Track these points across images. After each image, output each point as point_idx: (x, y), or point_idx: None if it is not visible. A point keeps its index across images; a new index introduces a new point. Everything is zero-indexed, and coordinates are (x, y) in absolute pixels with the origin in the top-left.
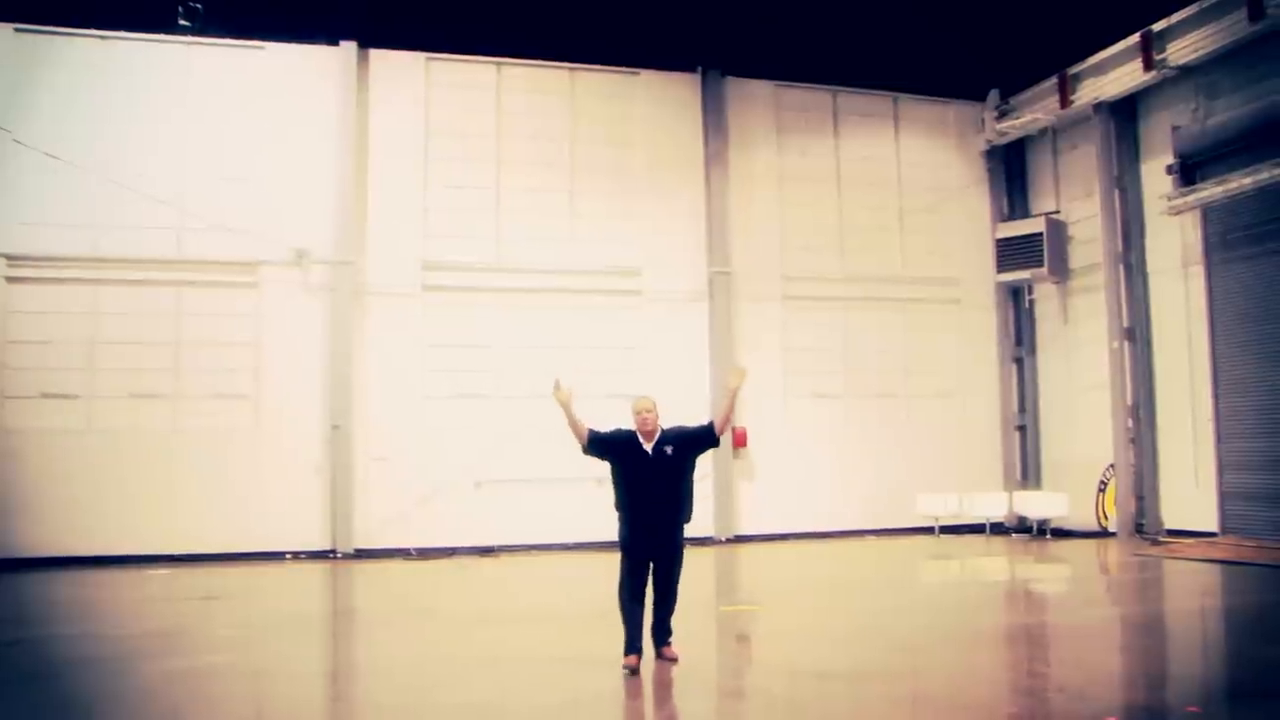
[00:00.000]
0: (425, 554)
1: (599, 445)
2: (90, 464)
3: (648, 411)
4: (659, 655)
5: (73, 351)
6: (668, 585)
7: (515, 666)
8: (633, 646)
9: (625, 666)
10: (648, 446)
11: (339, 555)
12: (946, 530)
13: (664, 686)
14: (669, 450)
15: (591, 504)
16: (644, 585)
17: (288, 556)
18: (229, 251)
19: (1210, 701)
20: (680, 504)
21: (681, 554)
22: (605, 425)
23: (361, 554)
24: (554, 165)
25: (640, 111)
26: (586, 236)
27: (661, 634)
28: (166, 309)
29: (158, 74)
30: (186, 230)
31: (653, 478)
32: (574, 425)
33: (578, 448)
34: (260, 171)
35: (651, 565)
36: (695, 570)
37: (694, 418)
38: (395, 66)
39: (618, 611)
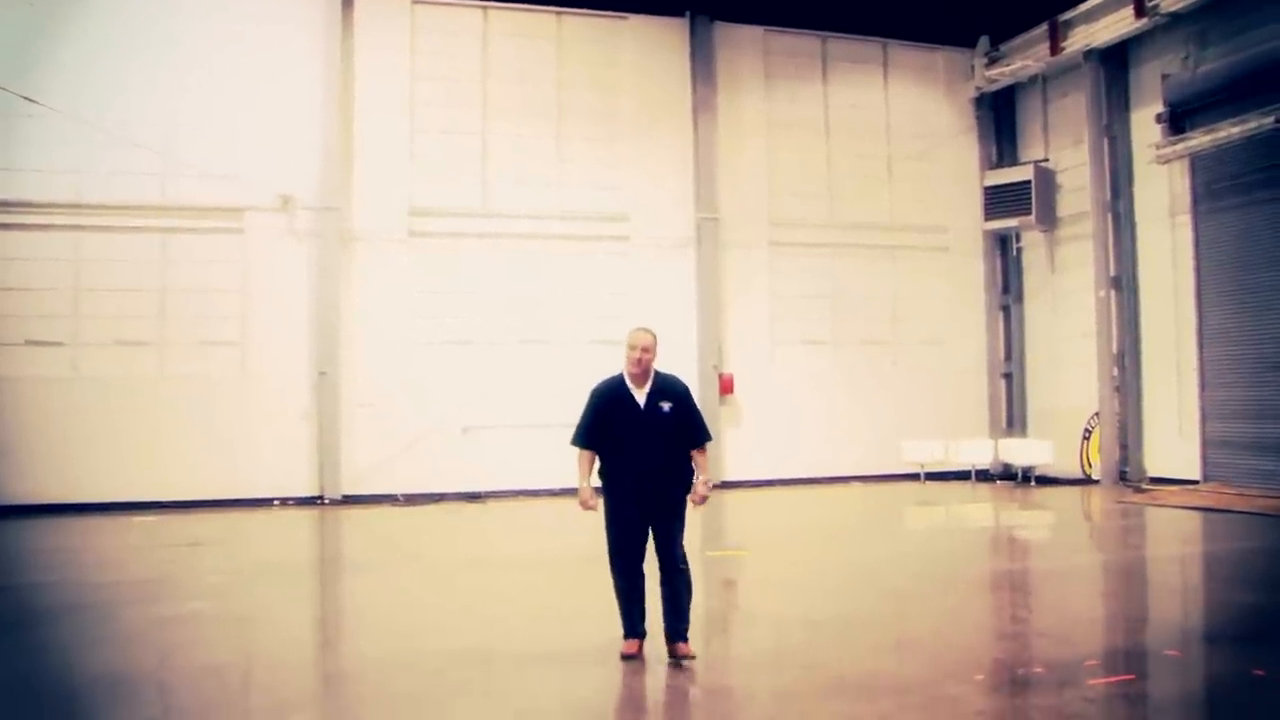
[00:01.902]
0: (413, 500)
1: (595, 432)
2: (77, 411)
3: (645, 350)
4: (672, 654)
5: (57, 298)
6: (671, 558)
7: (502, 612)
8: (633, 629)
9: (623, 653)
10: (639, 395)
11: (326, 501)
12: (932, 477)
13: (649, 633)
14: (666, 407)
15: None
16: (640, 555)
17: (275, 503)
18: (214, 197)
19: (1188, 645)
20: (678, 463)
21: (683, 518)
22: (593, 370)
23: (349, 500)
24: (541, 111)
25: (628, 57)
26: (574, 182)
27: (676, 625)
28: (152, 255)
29: (141, 17)
30: (171, 176)
31: (645, 433)
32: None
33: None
34: (245, 116)
35: (650, 534)
36: None
37: (681, 363)
38: (381, 10)
39: (607, 560)
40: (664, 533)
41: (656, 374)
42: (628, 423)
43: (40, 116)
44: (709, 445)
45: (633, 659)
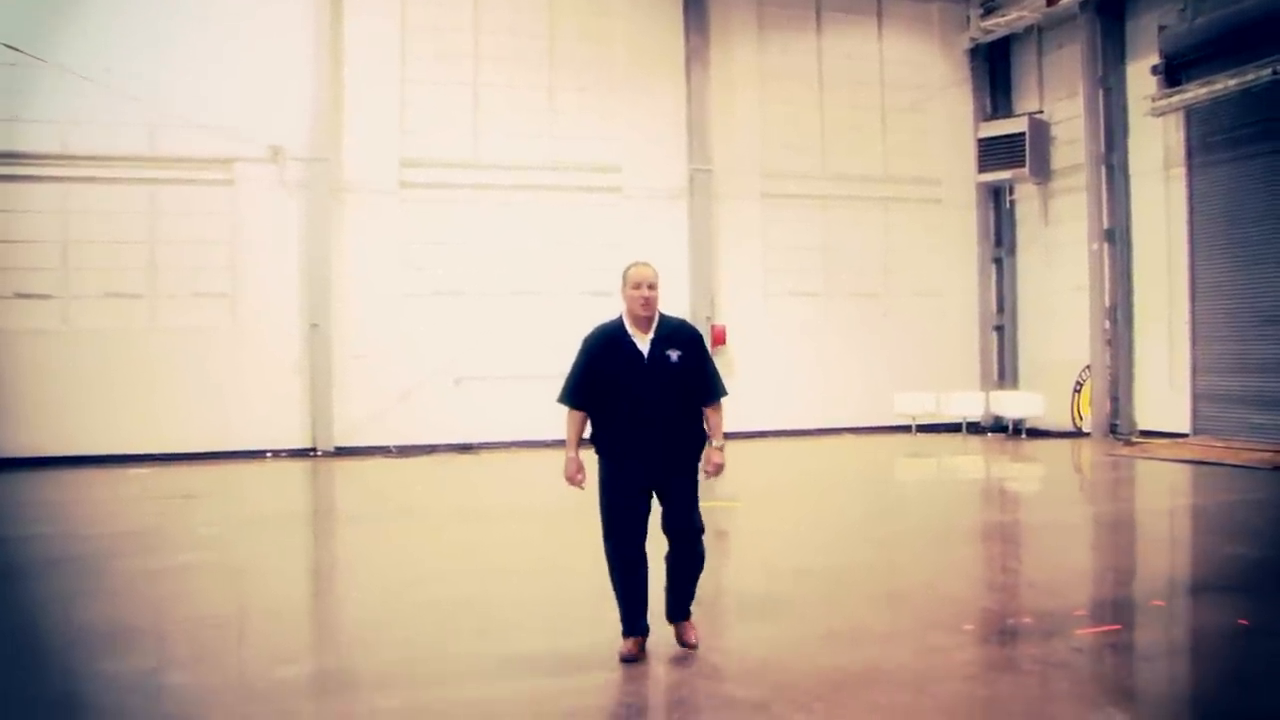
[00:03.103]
0: (405, 451)
1: (587, 388)
2: (67, 364)
3: (650, 288)
4: (677, 636)
5: (46, 251)
6: (682, 528)
7: (496, 563)
8: (632, 626)
9: (622, 655)
10: (642, 343)
11: (319, 453)
12: (923, 429)
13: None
14: (674, 356)
15: None
16: (642, 533)
17: (268, 455)
18: (203, 148)
19: (1174, 595)
20: (687, 423)
21: (696, 480)
22: (586, 322)
23: (342, 452)
24: (532, 61)
25: (620, 6)
26: (566, 133)
27: (679, 606)
28: (141, 207)
29: None
30: (159, 127)
31: (649, 387)
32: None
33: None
34: (234, 66)
35: (655, 498)
36: None
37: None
38: None
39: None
40: (674, 497)
41: (662, 317)
42: (628, 376)
43: (26, 66)
44: (723, 404)
45: (633, 661)
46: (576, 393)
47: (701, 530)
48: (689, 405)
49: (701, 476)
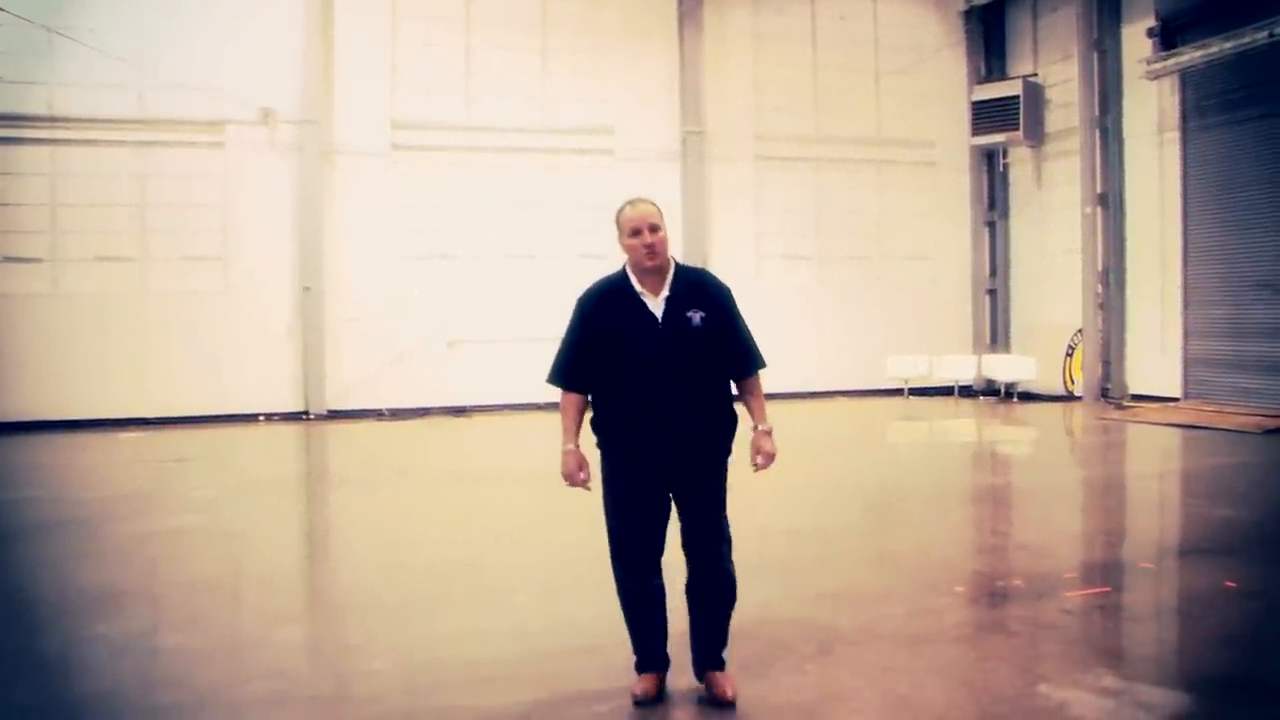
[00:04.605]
0: (398, 414)
1: (583, 363)
2: (58, 328)
3: (654, 229)
4: (709, 690)
5: (34, 214)
6: (707, 549)
7: (490, 525)
8: (649, 658)
9: (635, 694)
10: (654, 303)
11: (312, 416)
12: (915, 392)
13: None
14: (696, 318)
15: None
16: (659, 547)
17: (261, 418)
18: (193, 110)
19: (1163, 558)
20: (715, 404)
21: (724, 487)
22: (578, 285)
23: (334, 415)
24: (525, 23)
25: None
26: (558, 95)
27: (708, 649)
28: (131, 170)
29: None
30: (149, 88)
31: (665, 358)
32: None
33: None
34: (224, 27)
35: (674, 510)
36: None
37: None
38: None
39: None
40: (696, 510)
41: (679, 268)
42: (637, 344)
43: (12, 26)
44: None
45: (651, 704)
46: (569, 370)
47: (727, 541)
48: (716, 381)
49: (747, 472)
